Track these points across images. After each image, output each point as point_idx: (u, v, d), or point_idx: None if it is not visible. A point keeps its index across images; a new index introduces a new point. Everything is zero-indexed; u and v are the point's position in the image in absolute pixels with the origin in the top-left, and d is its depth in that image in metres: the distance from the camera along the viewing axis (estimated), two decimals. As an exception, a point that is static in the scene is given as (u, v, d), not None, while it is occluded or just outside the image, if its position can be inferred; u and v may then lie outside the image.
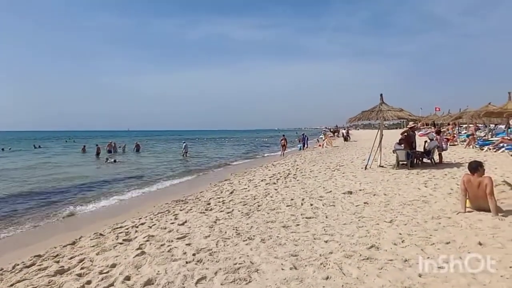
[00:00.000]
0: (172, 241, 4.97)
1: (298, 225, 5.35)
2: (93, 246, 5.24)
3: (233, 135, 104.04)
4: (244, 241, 4.70)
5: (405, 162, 11.22)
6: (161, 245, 4.79)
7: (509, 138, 15.18)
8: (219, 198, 8.49)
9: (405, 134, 11.87)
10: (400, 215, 5.46)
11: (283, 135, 25.99)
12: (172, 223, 6.22)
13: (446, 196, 6.67)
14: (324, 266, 3.64)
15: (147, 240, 5.11)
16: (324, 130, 34.98)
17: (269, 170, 14.33)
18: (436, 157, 11.77)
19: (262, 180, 10.91)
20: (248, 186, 10.11)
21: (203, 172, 17.62)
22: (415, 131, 12.28)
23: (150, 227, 6.08)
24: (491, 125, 23.08)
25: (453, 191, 6.97)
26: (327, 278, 3.36)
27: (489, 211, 5.11)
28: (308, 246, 4.30)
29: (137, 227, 6.26)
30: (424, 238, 4.29)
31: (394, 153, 11.52)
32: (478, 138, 18.27)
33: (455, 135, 21.41)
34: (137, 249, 4.71)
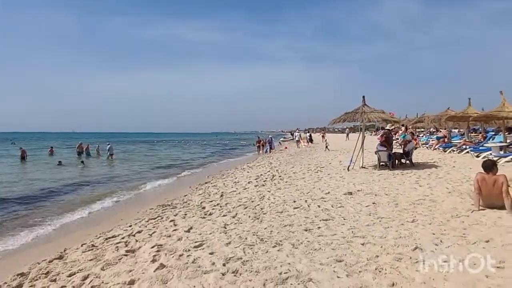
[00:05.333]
0: (189, 250, 4.41)
1: (319, 228, 5.06)
2: (91, 259, 4.51)
3: (192, 137, 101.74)
4: (273, 247, 4.29)
5: (386, 163, 11.49)
6: (180, 255, 4.22)
7: (469, 140, 16.28)
8: (211, 201, 7.95)
9: (385, 135, 12.17)
10: (418, 215, 5.41)
11: (258, 137, 28.03)
12: (175, 229, 5.61)
13: (447, 195, 6.80)
14: (380, 272, 3.38)
15: (158, 251, 4.49)
16: (297, 133, 36.04)
17: (248, 172, 13.96)
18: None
19: (248, 182, 10.51)
20: (236, 188, 9.65)
21: (176, 175, 16.72)
22: (392, 133, 12.63)
23: (151, 236, 5.42)
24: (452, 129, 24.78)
25: (452, 190, 7.15)
26: (392, 284, 3.09)
27: (501, 208, 5.23)
28: (347, 250, 4.02)
29: (133, 235, 5.56)
30: (460, 237, 4.22)
31: (376, 154, 11.74)
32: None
33: (416, 138, 22.62)
34: (152, 261, 4.10)
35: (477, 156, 13.27)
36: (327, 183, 9.41)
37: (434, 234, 4.40)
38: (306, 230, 4.96)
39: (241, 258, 3.96)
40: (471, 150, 14.21)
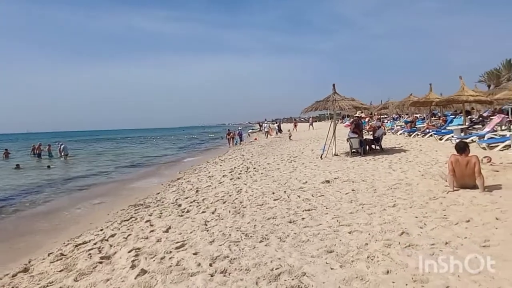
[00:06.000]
0: (171, 251, 4.15)
1: (303, 218, 4.97)
2: (61, 270, 4.11)
3: (159, 133, 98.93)
4: (260, 242, 4.14)
5: (358, 150, 11.70)
6: (161, 258, 3.95)
7: (432, 124, 17.03)
8: (187, 198, 7.66)
9: (355, 123, 12.39)
10: (398, 199, 5.48)
11: (228, 130, 28.17)
12: (152, 230, 5.30)
13: (421, 178, 6.99)
14: (372, 260, 3.33)
15: (137, 255, 4.19)
16: (266, 124, 36.70)
17: (221, 165, 13.70)
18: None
19: (223, 176, 10.27)
20: (212, 183, 9.38)
21: (146, 172, 16.10)
22: (361, 120, 12.88)
23: (126, 239, 5.07)
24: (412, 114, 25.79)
25: (425, 173, 7.37)
26: (387, 272, 3.04)
27: (473, 188, 5.43)
28: (335, 240, 3.95)
29: (106, 240, 5.18)
30: (442, 218, 4.29)
31: (348, 141, 11.91)
32: (403, 127, 20.14)
33: (383, 124, 23.39)
34: (132, 267, 3.80)
35: (440, 139, 13.91)
36: (303, 172, 9.40)
37: (417, 217, 4.45)
38: (290, 222, 4.85)
39: (228, 257, 3.77)
40: (435, 134, 14.86)
